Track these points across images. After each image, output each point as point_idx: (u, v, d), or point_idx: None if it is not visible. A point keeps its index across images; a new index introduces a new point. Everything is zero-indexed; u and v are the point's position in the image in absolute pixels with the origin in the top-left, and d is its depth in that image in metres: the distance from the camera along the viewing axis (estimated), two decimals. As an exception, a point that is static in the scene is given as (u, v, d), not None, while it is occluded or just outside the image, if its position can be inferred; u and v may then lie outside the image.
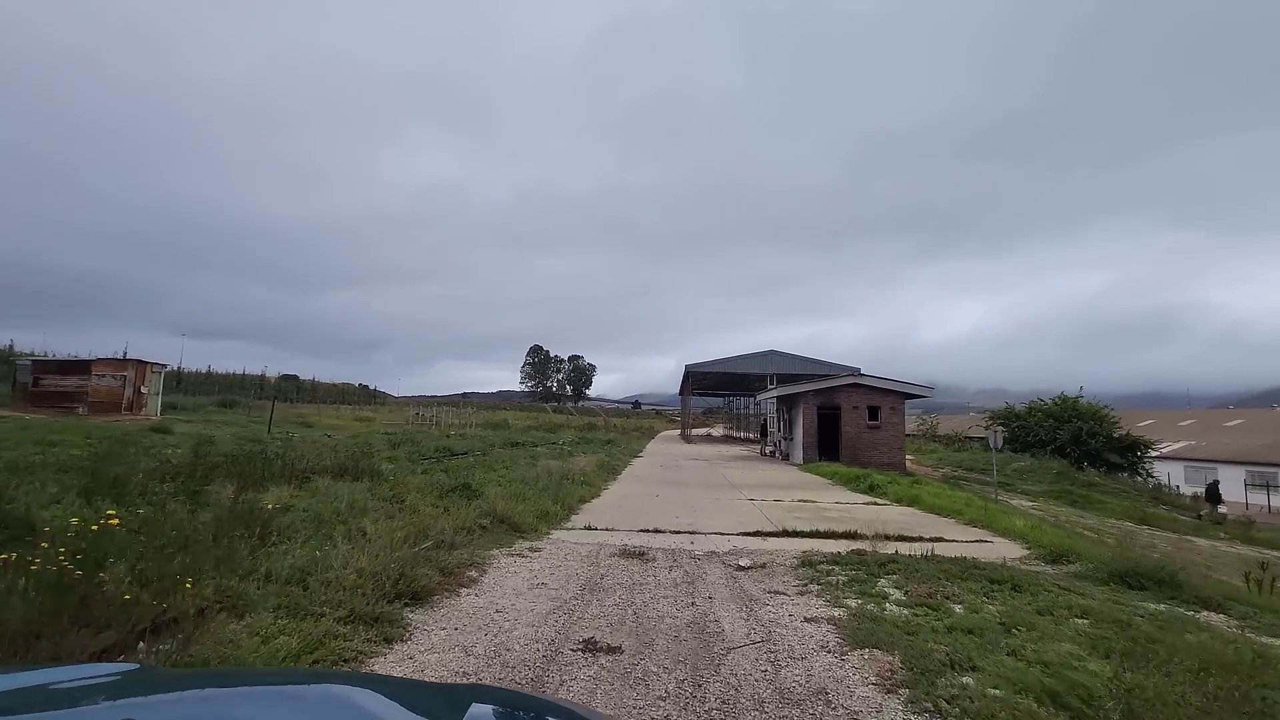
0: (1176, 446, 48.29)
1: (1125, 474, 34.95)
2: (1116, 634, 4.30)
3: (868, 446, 23.95)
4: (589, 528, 8.45)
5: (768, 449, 30.15)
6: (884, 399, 24.24)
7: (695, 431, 55.14)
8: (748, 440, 47.91)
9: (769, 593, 5.50)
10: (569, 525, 8.63)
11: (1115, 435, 35.84)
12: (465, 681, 1.77)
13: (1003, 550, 7.59)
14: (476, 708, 1.06)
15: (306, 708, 1.06)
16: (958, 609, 4.90)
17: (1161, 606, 5.30)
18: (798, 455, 24.76)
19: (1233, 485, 42.79)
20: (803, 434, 24.24)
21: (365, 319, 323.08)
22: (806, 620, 4.74)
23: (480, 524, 7.44)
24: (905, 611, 4.85)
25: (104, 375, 25.78)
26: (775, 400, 30.01)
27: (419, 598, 4.74)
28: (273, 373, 71.44)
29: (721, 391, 56.75)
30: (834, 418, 24.39)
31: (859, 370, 24.35)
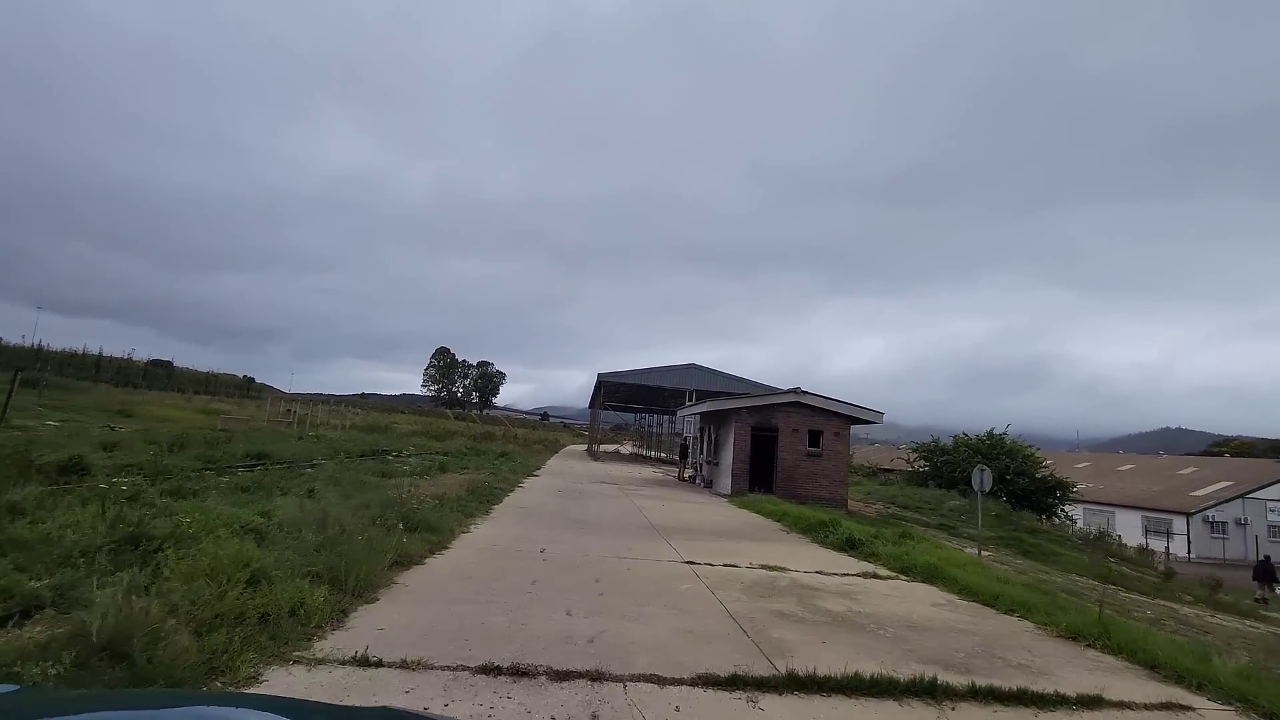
0: (1077, 489, 48.81)
1: (1045, 516, 33.70)
2: None
3: (806, 477, 20.33)
4: (360, 663, 3.68)
5: (687, 473, 26.08)
6: (828, 422, 20.75)
7: (604, 448, 50.38)
8: (660, 461, 43.81)
9: None
10: (314, 655, 3.82)
11: (1038, 475, 34.60)
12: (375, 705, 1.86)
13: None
14: None
15: None
16: None
17: None
18: (724, 483, 20.77)
19: (1130, 530, 43.27)
20: (733, 459, 20.28)
21: (260, 307, 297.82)
22: None
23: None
24: None
25: None
26: (699, 417, 26.07)
27: None
28: (145, 357, 65.34)
29: (635, 406, 52.50)
30: (769, 441, 20.63)
31: (799, 389, 20.88)
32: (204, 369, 74.17)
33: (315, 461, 16.25)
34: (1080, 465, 56.73)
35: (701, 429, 25.52)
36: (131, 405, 33.60)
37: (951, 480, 34.87)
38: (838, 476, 20.61)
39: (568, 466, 29.75)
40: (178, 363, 72.11)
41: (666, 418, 57.91)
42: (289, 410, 44.35)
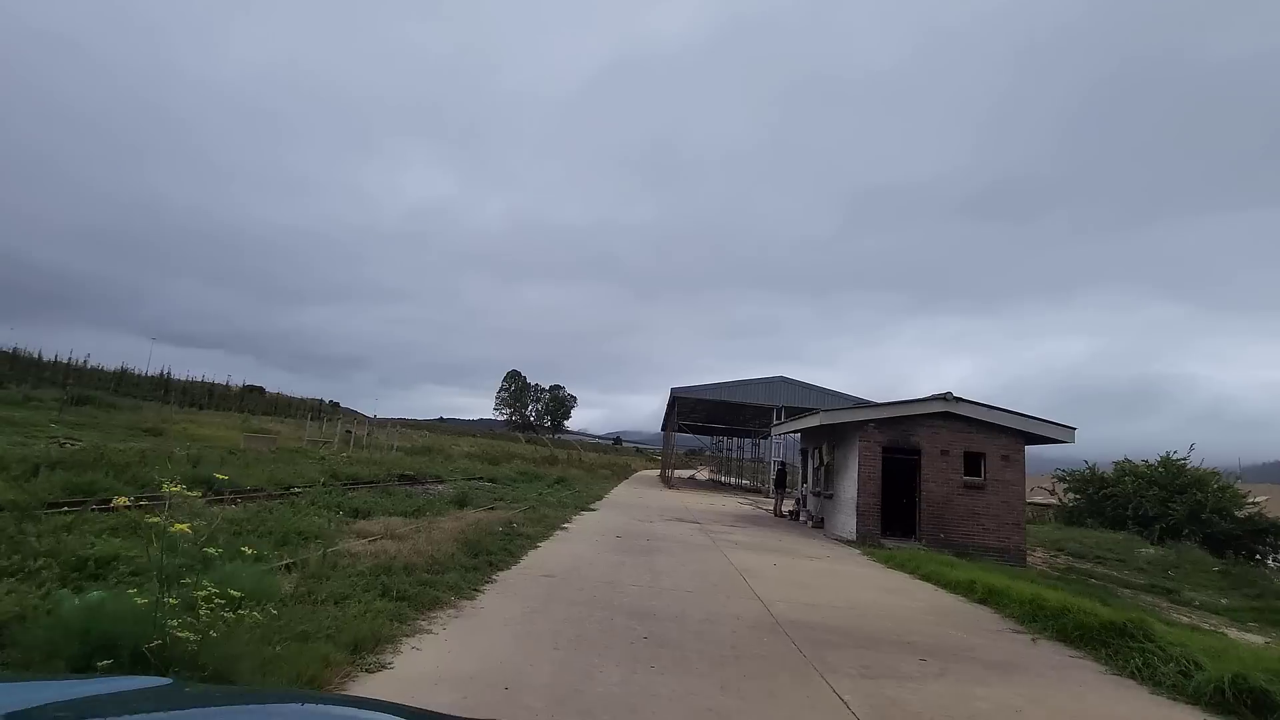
0: None
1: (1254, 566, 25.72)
2: None
3: (964, 517, 14.52)
4: None
5: (787, 506, 20.50)
6: (992, 441, 14.89)
7: (678, 474, 45.05)
8: (745, 490, 38.08)
9: None
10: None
11: (1239, 514, 26.67)
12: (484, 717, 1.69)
13: None
14: None
15: None
16: None
17: None
18: (844, 524, 15.20)
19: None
20: (857, 490, 14.71)
21: (346, 336, 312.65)
22: None
23: None
24: None
25: None
26: (801, 436, 20.57)
27: None
28: (246, 383, 69.00)
29: (714, 426, 47.00)
30: (907, 468, 14.99)
31: (949, 394, 15.24)
32: (299, 395, 77.56)
33: (294, 489, 12.11)
34: (1260, 499, 46.42)
35: (805, 451, 20.05)
36: (174, 423, 31.46)
37: (1117, 519, 27.62)
38: (1009, 517, 14.65)
39: (636, 496, 24.85)
40: (274, 389, 75.52)
41: (748, 440, 51.98)
42: (347, 431, 42.02)
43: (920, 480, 14.73)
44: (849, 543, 14.17)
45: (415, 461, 27.48)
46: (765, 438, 38.00)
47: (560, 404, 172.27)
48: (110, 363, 48.24)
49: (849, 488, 15.26)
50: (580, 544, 10.01)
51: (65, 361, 42.91)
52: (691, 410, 38.88)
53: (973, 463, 14.81)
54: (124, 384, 47.23)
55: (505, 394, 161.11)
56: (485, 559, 7.12)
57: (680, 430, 43.73)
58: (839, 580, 9.07)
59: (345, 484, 14.53)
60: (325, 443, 32.27)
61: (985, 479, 14.69)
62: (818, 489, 17.82)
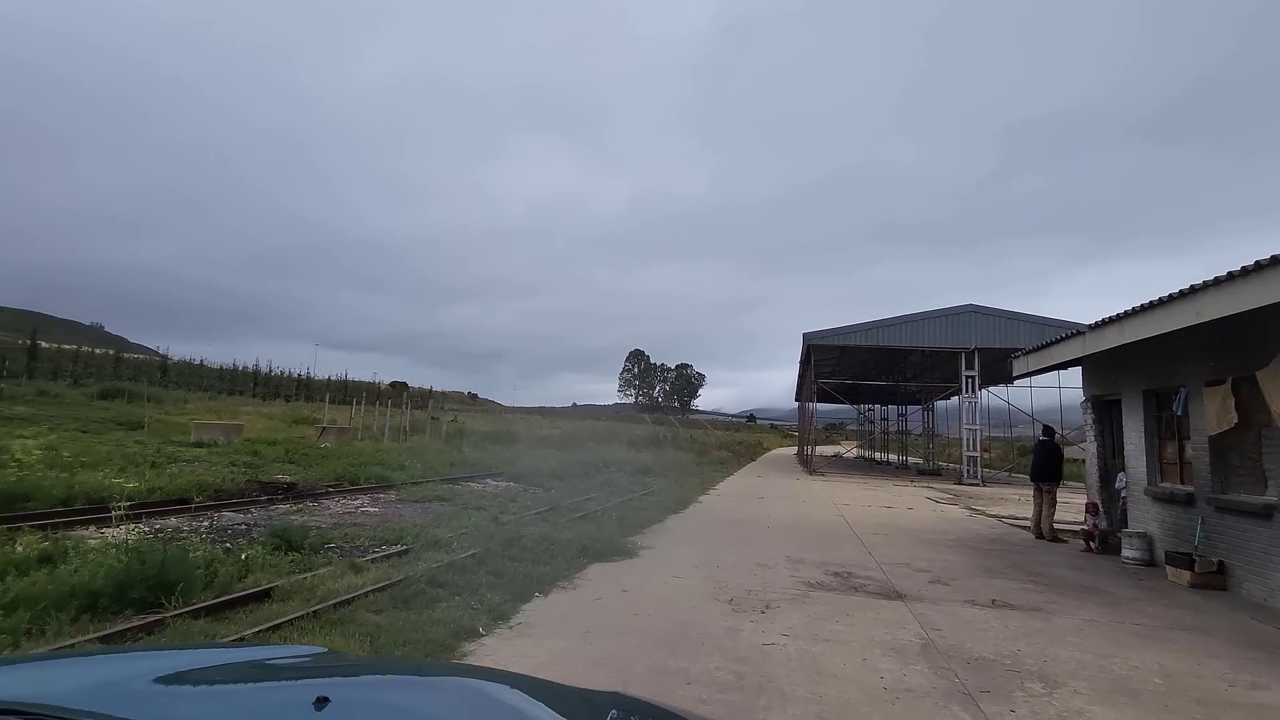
0: None
1: None
2: None
3: None
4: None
5: (1097, 524, 10.13)
6: None
7: (819, 451, 34.25)
8: (914, 473, 27.21)
9: None
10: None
11: None
12: (607, 690, 1.34)
13: None
14: (615, 715, 1.09)
15: (463, 700, 1.12)
16: None
17: None
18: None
19: None
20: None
21: (487, 331, 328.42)
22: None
23: None
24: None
25: None
26: (1088, 374, 10.48)
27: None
28: (397, 380, 74.33)
29: (864, 386, 35.82)
30: None
31: None
32: (442, 389, 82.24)
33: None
34: None
35: (1098, 408, 9.78)
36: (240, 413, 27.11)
37: None
38: None
39: (759, 491, 15.96)
40: (425, 385, 79.94)
41: (908, 409, 40.22)
42: (434, 419, 36.91)
43: None
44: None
45: (495, 453, 20.68)
46: (949, 396, 27.13)
47: (687, 382, 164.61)
48: (291, 368, 54.60)
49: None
50: None
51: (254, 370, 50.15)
52: (834, 365, 28.75)
53: None
54: (275, 384, 50.91)
55: (629, 375, 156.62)
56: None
57: (819, 399, 33.25)
58: None
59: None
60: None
61: None
62: (1188, 487, 7.70)
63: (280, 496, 9.77)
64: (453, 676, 1.40)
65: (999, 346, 22.08)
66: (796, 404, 45.93)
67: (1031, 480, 10.25)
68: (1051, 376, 25.37)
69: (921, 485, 20.89)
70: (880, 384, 30.74)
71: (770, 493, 15.84)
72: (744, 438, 61.07)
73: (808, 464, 27.42)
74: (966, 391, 22.11)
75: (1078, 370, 10.28)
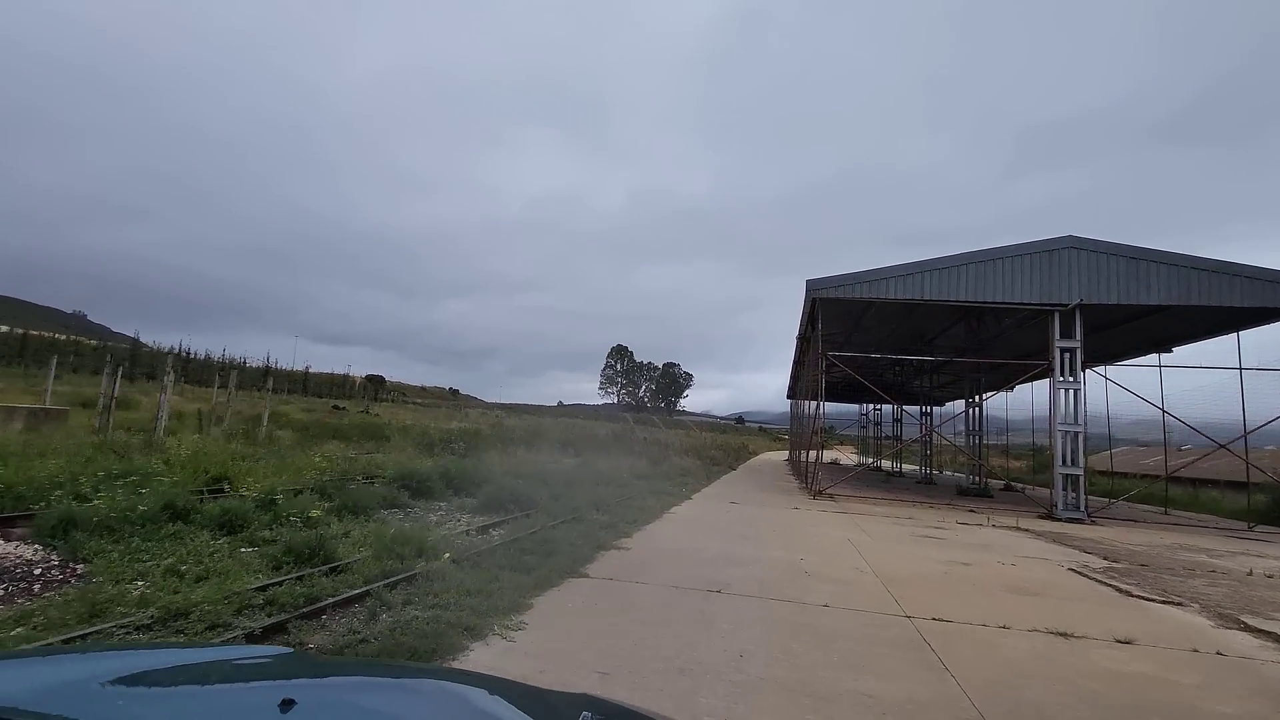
0: None
1: None
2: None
3: None
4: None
5: None
6: None
7: (811, 456, 25.20)
8: (964, 494, 18.70)
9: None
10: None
11: None
12: (576, 691, 1.32)
13: None
14: (587, 717, 1.06)
15: (433, 702, 1.08)
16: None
17: None
18: None
19: None
20: None
21: (479, 328, 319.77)
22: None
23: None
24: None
25: None
26: None
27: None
28: (376, 374, 75.93)
29: (885, 362, 27.44)
30: None
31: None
32: (424, 384, 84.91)
33: None
34: None
35: None
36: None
37: None
38: None
39: (717, 555, 7.63)
40: (407, 380, 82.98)
41: (932, 409, 31.77)
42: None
43: None
44: None
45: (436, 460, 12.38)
46: (1034, 379, 19.14)
47: (673, 381, 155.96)
48: (281, 361, 53.03)
49: None
50: None
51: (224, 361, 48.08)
52: (852, 331, 20.48)
53: None
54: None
55: (611, 371, 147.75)
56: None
57: (828, 387, 24.06)
58: None
59: None
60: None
61: None
62: None
63: None
64: (422, 678, 1.37)
65: (1115, 303, 14.13)
66: (790, 402, 37.99)
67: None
68: (1199, 349, 17.56)
69: (1006, 524, 12.84)
70: (926, 359, 22.36)
71: (742, 563, 7.72)
72: (728, 440, 52.98)
73: (807, 478, 19.31)
74: (1063, 373, 14.12)
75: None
